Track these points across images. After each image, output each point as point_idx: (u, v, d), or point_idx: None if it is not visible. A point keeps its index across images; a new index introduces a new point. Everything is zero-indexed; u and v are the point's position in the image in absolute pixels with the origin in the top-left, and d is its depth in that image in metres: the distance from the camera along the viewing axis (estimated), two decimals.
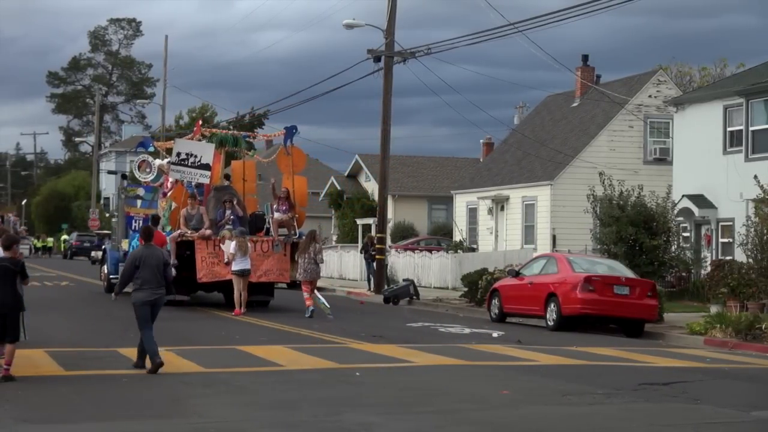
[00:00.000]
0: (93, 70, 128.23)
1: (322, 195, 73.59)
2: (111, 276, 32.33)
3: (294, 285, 27.55)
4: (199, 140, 29.78)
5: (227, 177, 29.83)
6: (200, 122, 35.24)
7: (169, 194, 29.24)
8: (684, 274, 35.10)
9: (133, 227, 30.48)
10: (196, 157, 28.01)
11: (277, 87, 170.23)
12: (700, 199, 35.65)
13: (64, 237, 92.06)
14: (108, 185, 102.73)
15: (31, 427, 11.07)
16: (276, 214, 28.24)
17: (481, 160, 61.71)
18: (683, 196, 35.91)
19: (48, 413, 11.81)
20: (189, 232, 27.18)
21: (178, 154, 28.17)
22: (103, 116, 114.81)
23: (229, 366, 15.67)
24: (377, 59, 38.19)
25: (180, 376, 14.63)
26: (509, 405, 12.88)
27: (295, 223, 28.30)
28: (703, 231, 36.41)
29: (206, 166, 28.16)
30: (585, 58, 50.29)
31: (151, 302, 15.20)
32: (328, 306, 25.97)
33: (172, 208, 28.65)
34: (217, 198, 28.03)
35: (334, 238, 68.45)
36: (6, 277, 14.01)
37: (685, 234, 36.17)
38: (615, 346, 20.84)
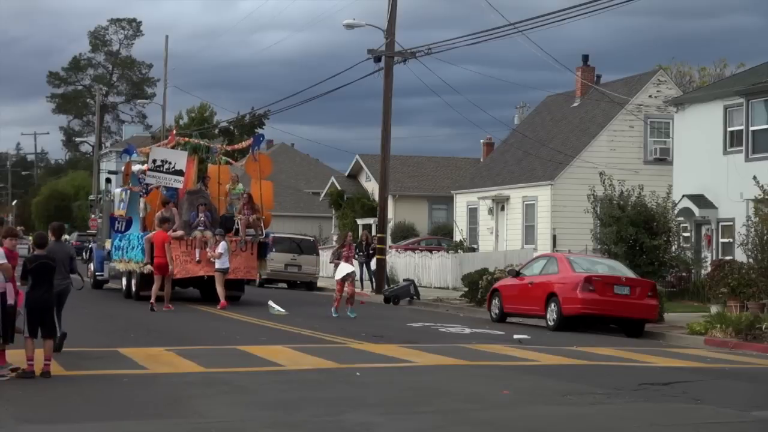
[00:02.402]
0: (93, 70, 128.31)
1: (322, 195, 73.62)
2: (96, 273, 35.59)
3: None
4: (174, 148, 31.73)
5: (204, 180, 31.50)
6: (174, 131, 36.96)
7: (145, 198, 30.93)
8: (684, 274, 35.10)
9: (116, 228, 32.02)
10: (170, 163, 30.10)
11: (278, 87, 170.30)
12: (700, 199, 35.66)
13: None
14: (117, 183, 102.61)
15: (31, 427, 11.07)
16: (243, 216, 29.92)
17: (482, 160, 61.71)
18: (683, 196, 35.91)
19: (48, 413, 11.81)
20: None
21: (154, 161, 30.16)
22: (103, 116, 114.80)
23: (229, 366, 15.67)
24: (378, 59, 38.19)
25: (180, 376, 14.63)
26: (509, 405, 12.88)
27: (262, 224, 30.10)
28: (703, 231, 36.41)
29: (180, 172, 30.03)
30: (585, 58, 50.32)
31: (57, 292, 15.79)
32: (284, 311, 27.02)
33: (148, 210, 30.45)
34: (190, 201, 29.63)
35: (335, 238, 68.46)
36: (46, 273, 14.30)
37: (686, 234, 36.17)
38: (615, 346, 20.84)
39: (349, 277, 26.75)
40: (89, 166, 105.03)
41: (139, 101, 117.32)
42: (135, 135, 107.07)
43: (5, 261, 13.97)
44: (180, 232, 28.78)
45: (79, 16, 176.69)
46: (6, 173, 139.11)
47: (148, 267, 28.43)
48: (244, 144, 34.52)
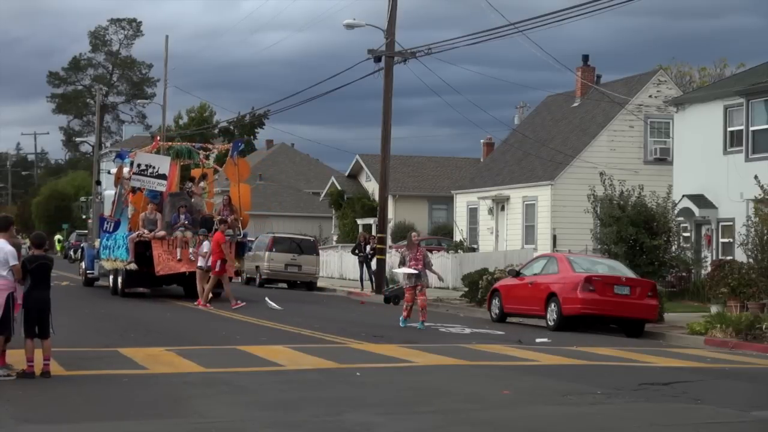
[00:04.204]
0: (93, 70, 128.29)
1: (322, 195, 73.63)
2: (87, 271, 37.87)
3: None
4: (158, 153, 33.71)
5: (194, 180, 33.61)
6: (158, 138, 39.89)
7: (130, 200, 32.88)
8: (684, 274, 35.09)
9: (104, 228, 33.94)
10: (154, 167, 31.63)
11: (278, 87, 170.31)
12: (700, 199, 35.65)
13: (58, 237, 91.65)
14: (108, 185, 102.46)
15: (31, 427, 11.07)
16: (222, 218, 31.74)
17: (482, 160, 61.70)
18: (683, 196, 35.91)
19: (48, 413, 11.81)
20: (146, 232, 30.74)
21: (138, 165, 31.67)
22: (103, 116, 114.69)
23: (229, 366, 15.67)
24: (378, 59, 38.19)
25: (181, 375, 14.63)
26: (509, 405, 12.88)
27: (240, 225, 32.02)
28: (703, 231, 36.40)
29: (163, 176, 31.58)
30: (585, 58, 50.32)
31: None
32: (279, 307, 28.05)
33: (133, 212, 32.33)
34: (173, 203, 31.56)
35: (335, 238, 68.48)
36: (46, 273, 14.31)
37: (686, 234, 36.16)
38: (615, 346, 20.84)
39: (420, 283, 24.40)
40: (89, 166, 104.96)
41: (139, 101, 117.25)
42: (135, 135, 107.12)
43: (17, 263, 13.98)
44: (162, 233, 30.62)
45: (80, 16, 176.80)
46: (6, 173, 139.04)
47: (133, 265, 30.63)
48: (224, 146, 36.39)
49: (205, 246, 29.19)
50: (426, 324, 24.17)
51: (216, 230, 29.37)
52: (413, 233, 25.79)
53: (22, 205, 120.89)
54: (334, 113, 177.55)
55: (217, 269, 28.64)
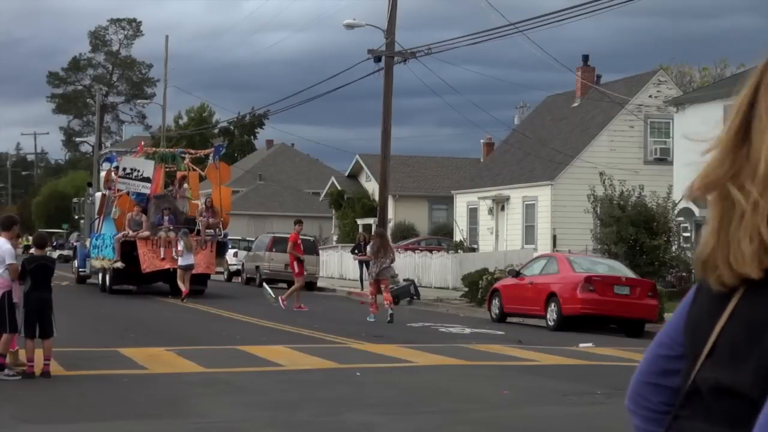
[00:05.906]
0: (93, 70, 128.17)
1: (322, 195, 73.57)
2: (80, 269, 39.68)
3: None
4: (144, 157, 35.22)
5: (202, 178, 36.50)
6: (142, 143, 41.43)
7: (116, 202, 34.56)
8: (684, 274, 35.05)
9: (94, 228, 36.01)
10: (138, 171, 33.41)
11: (279, 87, 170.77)
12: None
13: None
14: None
15: (31, 427, 11.06)
16: (203, 219, 33.66)
17: (482, 160, 61.68)
18: (684, 196, 35.86)
19: (48, 413, 11.81)
20: (131, 233, 32.41)
21: (124, 169, 33.46)
22: (103, 116, 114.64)
23: (229, 366, 15.66)
24: (378, 59, 38.16)
25: (180, 375, 14.62)
26: (509, 405, 12.87)
27: (221, 225, 33.90)
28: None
29: (147, 179, 33.38)
30: (585, 58, 50.30)
31: None
32: (273, 296, 29.17)
33: (118, 214, 33.95)
34: (157, 205, 33.39)
35: (335, 238, 68.46)
36: (46, 274, 14.37)
37: (686, 234, 36.15)
38: (615, 346, 20.83)
39: (384, 276, 26.70)
40: (89, 166, 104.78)
41: (139, 101, 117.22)
42: (135, 135, 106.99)
43: (14, 261, 13.96)
44: (146, 233, 32.33)
45: (80, 17, 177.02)
46: (6, 173, 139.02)
47: (119, 264, 32.21)
48: (205, 151, 38.77)
49: (180, 245, 30.99)
50: (425, 324, 24.14)
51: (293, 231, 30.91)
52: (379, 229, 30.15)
53: (22, 205, 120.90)
54: (334, 113, 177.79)
55: (296, 270, 29.30)
